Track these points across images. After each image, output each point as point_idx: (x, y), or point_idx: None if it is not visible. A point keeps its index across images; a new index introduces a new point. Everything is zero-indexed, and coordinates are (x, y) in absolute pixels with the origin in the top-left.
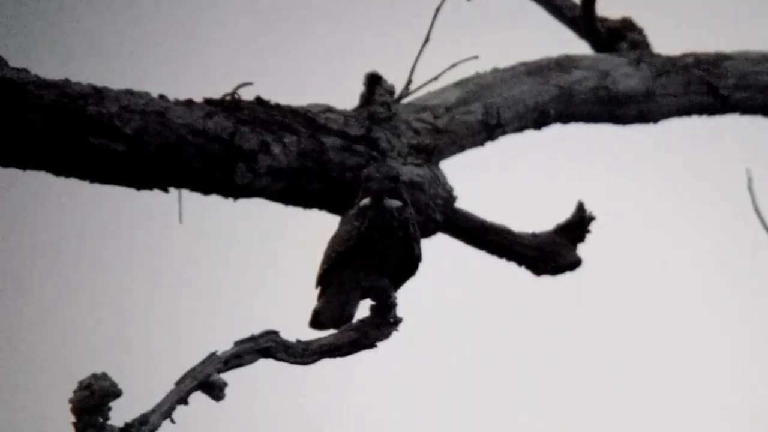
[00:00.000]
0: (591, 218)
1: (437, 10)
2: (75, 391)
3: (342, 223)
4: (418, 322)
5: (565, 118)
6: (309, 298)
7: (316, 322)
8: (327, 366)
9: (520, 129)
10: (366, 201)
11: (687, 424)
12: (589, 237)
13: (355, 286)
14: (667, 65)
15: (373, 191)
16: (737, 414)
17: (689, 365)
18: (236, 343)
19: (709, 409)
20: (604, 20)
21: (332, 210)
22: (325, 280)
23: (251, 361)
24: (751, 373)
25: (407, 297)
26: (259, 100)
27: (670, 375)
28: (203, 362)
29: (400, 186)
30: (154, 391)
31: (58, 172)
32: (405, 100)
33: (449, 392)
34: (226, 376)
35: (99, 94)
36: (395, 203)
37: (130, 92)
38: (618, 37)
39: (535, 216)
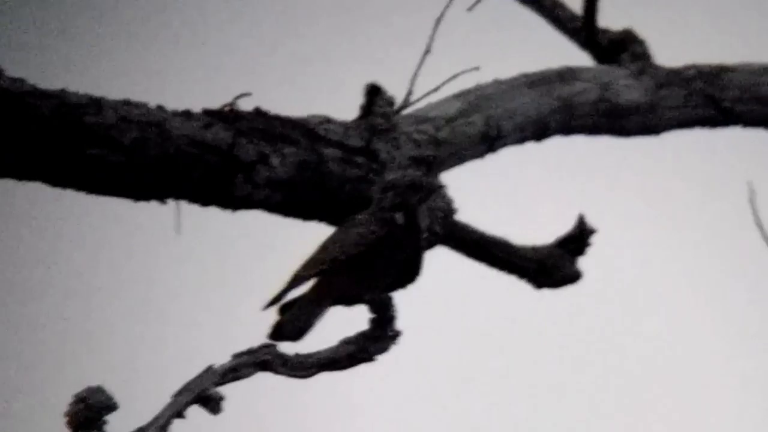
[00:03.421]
0: (591, 231)
1: (438, 21)
2: (70, 404)
3: (347, 228)
4: (417, 333)
5: (567, 130)
6: None
7: (278, 333)
8: (325, 379)
9: (520, 141)
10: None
11: None
12: (589, 250)
13: (328, 297)
14: (669, 77)
15: (410, 200)
16: (737, 425)
17: (690, 379)
18: (234, 356)
19: (711, 422)
20: (605, 32)
21: (331, 221)
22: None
23: (249, 375)
24: (752, 387)
25: (406, 307)
26: (257, 111)
27: (670, 388)
28: (200, 375)
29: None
30: (151, 405)
31: (55, 183)
32: (405, 112)
33: (448, 401)
34: (223, 390)
35: (97, 104)
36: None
37: (127, 103)
38: (619, 49)
39: (535, 229)
